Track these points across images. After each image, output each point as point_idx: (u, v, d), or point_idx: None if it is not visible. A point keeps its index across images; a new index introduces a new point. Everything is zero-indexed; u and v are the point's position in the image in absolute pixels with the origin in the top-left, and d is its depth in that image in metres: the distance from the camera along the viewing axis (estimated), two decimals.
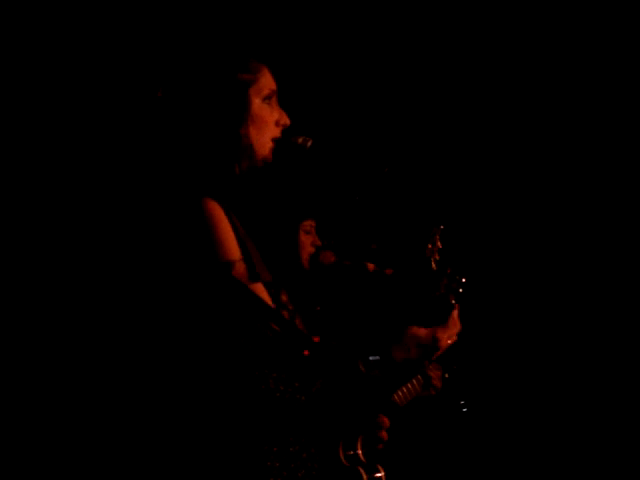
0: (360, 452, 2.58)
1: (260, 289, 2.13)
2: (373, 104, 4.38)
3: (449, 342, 2.36)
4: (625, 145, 4.34)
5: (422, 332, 2.33)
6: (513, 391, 4.43)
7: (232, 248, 2.11)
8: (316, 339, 2.46)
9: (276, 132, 2.28)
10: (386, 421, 2.66)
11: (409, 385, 3.15)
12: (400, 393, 3.12)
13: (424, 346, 2.31)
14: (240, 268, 2.09)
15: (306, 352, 2.13)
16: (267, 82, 2.27)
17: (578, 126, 4.41)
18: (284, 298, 2.26)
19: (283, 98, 2.32)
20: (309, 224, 3.60)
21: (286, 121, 2.29)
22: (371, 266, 3.05)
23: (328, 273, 3.43)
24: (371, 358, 2.25)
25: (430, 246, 2.54)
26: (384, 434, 2.71)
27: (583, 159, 4.41)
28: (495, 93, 4.45)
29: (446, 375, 3.30)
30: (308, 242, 3.59)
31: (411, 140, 4.39)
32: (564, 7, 4.25)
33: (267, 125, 2.25)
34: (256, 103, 2.24)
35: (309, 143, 2.31)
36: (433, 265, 2.52)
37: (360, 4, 4.22)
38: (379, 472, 2.61)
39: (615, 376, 4.35)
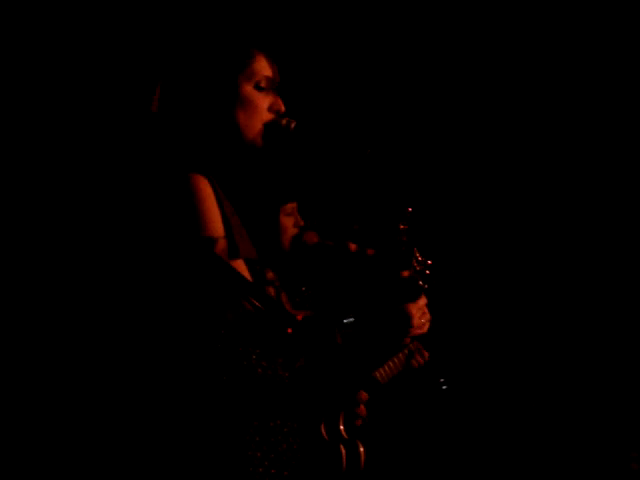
0: (342, 428, 2.61)
1: (240, 266, 2.17)
2: (356, 86, 4.39)
3: (422, 321, 2.42)
4: (612, 146, 4.37)
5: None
6: (493, 369, 4.46)
7: (216, 225, 2.14)
8: (299, 317, 2.49)
9: (268, 117, 2.30)
10: (364, 395, 2.71)
11: (390, 363, 3.20)
12: (382, 371, 3.17)
13: (397, 321, 2.36)
14: (221, 245, 2.13)
15: (289, 330, 2.16)
16: (260, 68, 2.30)
17: (554, 118, 4.44)
18: (270, 275, 2.30)
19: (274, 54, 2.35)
20: (290, 206, 3.61)
21: (280, 107, 2.32)
22: (353, 246, 3.08)
23: (311, 253, 3.46)
24: (345, 321, 2.29)
25: (402, 227, 2.56)
26: (362, 409, 2.76)
27: (555, 147, 4.44)
28: (476, 82, 4.46)
29: (426, 354, 3.35)
30: (290, 224, 3.59)
31: (393, 123, 4.40)
32: (564, 7, 4.26)
33: (257, 110, 2.28)
34: (246, 88, 2.28)
35: (292, 125, 2.33)
36: (402, 247, 2.55)
37: None
38: (359, 448, 2.64)
39: (592, 357, 4.39)
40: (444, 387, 3.51)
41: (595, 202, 4.40)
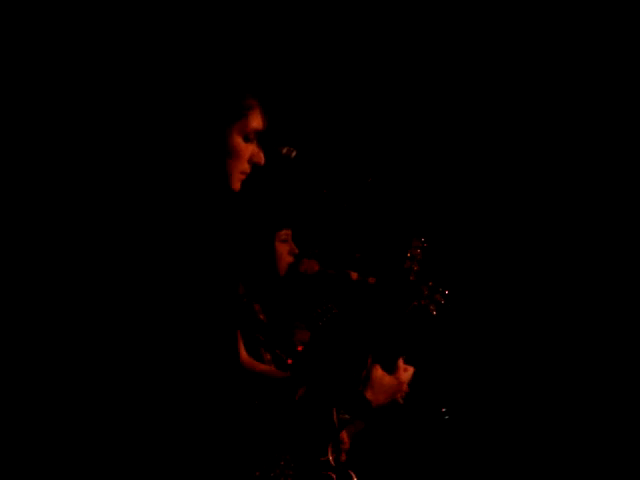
0: (331, 458, 2.61)
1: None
2: (358, 114, 4.38)
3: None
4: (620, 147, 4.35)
5: (387, 379, 2.60)
6: (494, 397, 4.45)
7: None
8: (299, 348, 2.49)
9: (247, 168, 2.30)
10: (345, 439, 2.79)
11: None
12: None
13: (390, 390, 2.60)
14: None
15: (289, 361, 2.16)
16: (253, 120, 2.29)
17: (566, 134, 4.42)
18: (257, 308, 2.29)
19: (269, 106, 2.34)
20: (285, 233, 3.60)
21: (260, 160, 2.31)
22: (354, 275, 3.07)
23: (312, 282, 3.44)
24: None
25: (410, 256, 2.57)
26: (346, 442, 2.80)
27: (571, 168, 4.42)
28: (481, 106, 4.46)
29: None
30: (285, 251, 3.58)
31: (395, 150, 4.40)
32: (564, 7, 4.25)
33: (240, 160, 2.28)
34: (236, 140, 2.27)
35: (293, 153, 2.33)
36: (411, 276, 2.56)
37: (338, 7, 4.23)
38: (351, 478, 2.65)
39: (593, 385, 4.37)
40: (446, 417, 3.49)
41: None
